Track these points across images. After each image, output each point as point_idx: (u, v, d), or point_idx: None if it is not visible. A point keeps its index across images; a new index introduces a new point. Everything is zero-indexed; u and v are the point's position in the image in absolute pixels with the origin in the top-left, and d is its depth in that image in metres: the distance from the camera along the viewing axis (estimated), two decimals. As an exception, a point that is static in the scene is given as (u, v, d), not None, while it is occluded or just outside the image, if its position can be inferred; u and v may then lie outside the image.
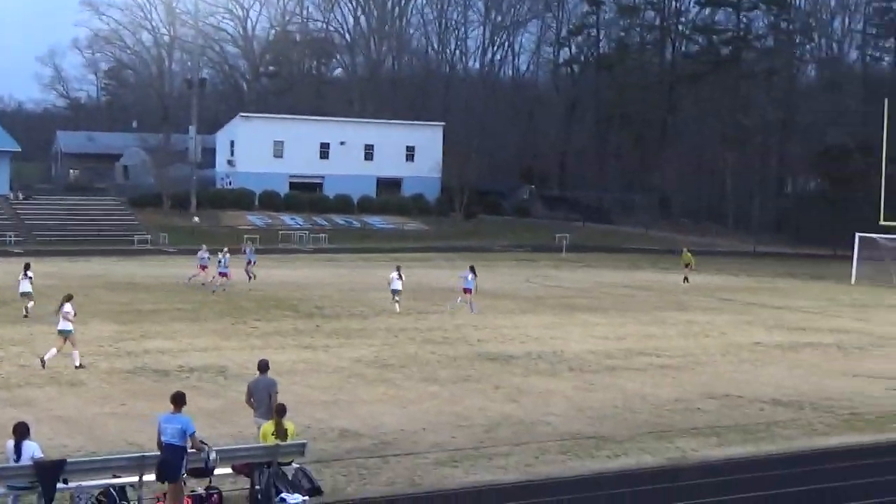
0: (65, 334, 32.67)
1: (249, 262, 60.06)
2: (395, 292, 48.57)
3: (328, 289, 55.65)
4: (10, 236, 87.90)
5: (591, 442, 24.80)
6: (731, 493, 21.00)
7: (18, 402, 27.06)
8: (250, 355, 34.84)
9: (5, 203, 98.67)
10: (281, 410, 20.17)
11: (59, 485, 18.08)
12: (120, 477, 18.91)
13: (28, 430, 18.56)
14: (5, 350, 34.94)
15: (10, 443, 18.34)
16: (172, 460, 18.16)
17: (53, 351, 32.39)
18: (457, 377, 32.31)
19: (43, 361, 31.90)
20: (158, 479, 18.49)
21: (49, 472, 17.97)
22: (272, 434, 19.98)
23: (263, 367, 22.30)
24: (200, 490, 19.70)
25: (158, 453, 18.45)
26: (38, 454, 18.32)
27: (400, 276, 49.05)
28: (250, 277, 58.71)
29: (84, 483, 18.43)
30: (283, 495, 19.44)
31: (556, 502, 20.23)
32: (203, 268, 57.91)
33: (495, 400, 29.18)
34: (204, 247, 60.98)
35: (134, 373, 31.64)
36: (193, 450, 18.43)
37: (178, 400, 18.85)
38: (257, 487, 19.47)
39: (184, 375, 31.29)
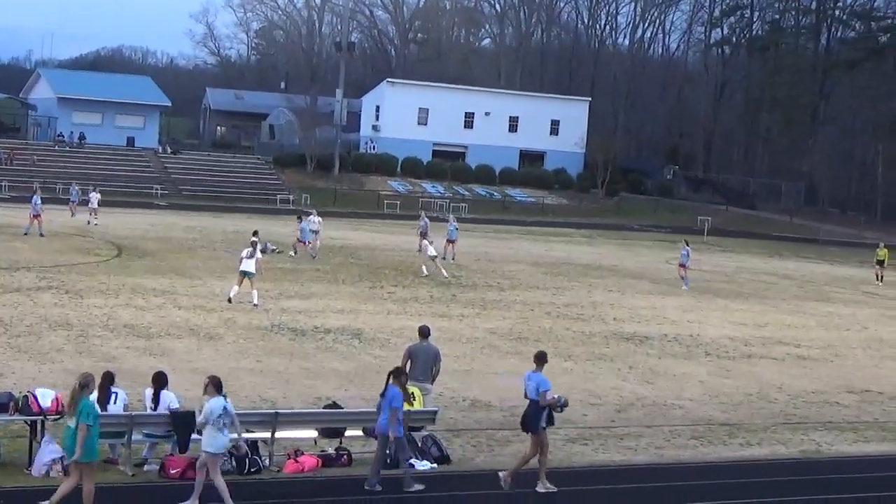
0: (249, 275, 36.39)
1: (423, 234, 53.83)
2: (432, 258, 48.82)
3: (466, 258, 55.63)
4: (157, 189, 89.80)
5: (723, 429, 24.43)
6: (865, 490, 20.48)
7: (158, 352, 27.63)
8: (385, 320, 35.13)
9: (154, 156, 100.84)
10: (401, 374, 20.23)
11: (194, 435, 18.39)
12: (253, 432, 19.19)
13: (166, 380, 18.95)
14: (147, 300, 35.69)
15: (149, 391, 18.74)
16: (531, 413, 18.94)
17: (235, 288, 36.23)
18: (591, 355, 32.09)
19: (230, 299, 36.00)
20: (522, 429, 19.38)
21: (185, 423, 18.33)
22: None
23: (426, 332, 22.18)
24: (331, 450, 19.87)
25: None
26: (175, 404, 18.71)
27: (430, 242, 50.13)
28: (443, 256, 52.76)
29: (218, 435, 18.68)
30: (411, 461, 19.50)
31: (686, 487, 19.97)
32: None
33: (628, 380, 28.92)
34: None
35: (271, 330, 32.04)
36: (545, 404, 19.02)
37: (539, 358, 19.46)
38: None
39: (319, 336, 31.59)
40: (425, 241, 50.57)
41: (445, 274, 47.66)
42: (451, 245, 55.07)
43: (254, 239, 39.57)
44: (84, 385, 15.96)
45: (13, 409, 18.19)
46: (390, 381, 18.76)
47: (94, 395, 18.06)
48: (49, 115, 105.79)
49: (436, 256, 49.02)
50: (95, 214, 61.92)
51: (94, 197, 63.14)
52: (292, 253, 52.08)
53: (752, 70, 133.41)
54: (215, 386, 16.95)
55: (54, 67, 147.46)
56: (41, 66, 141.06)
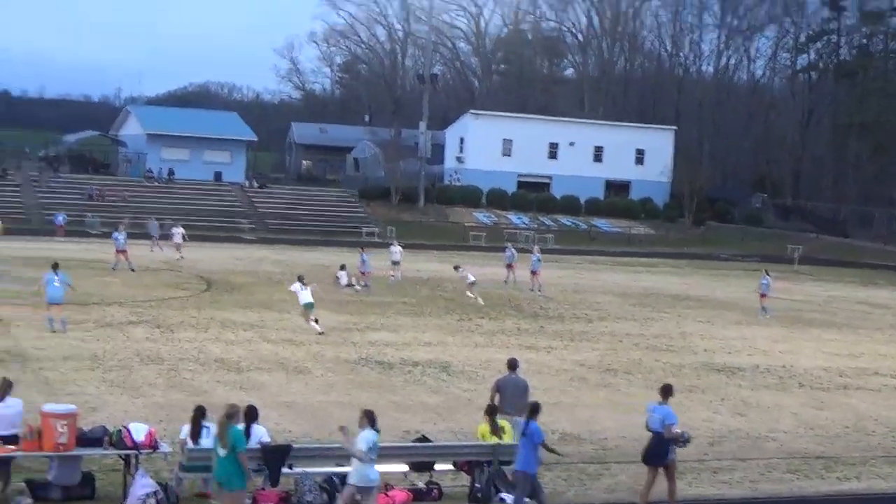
0: (309, 308, 37.31)
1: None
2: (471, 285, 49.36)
3: (552, 289, 55.36)
4: (244, 223, 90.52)
5: (819, 462, 23.95)
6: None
7: (248, 386, 27.73)
8: (473, 352, 34.99)
9: (240, 191, 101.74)
10: (492, 410, 20.18)
11: (285, 469, 18.39)
12: (343, 466, 19.09)
13: (257, 413, 18.95)
14: (236, 334, 35.90)
15: (241, 426, 18.70)
16: (654, 446, 19.00)
17: (312, 323, 37.18)
18: (681, 386, 31.53)
19: (320, 332, 36.50)
20: (643, 461, 19.40)
21: (275, 456, 18.32)
22: (490, 433, 19.90)
23: (514, 365, 22.20)
24: (421, 484, 19.75)
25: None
26: (266, 438, 18.69)
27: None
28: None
29: (308, 469, 18.69)
30: (502, 495, 19.33)
31: (783, 522, 19.61)
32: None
33: (720, 412, 28.51)
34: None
35: (358, 364, 32.05)
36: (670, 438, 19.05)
37: (665, 391, 19.53)
38: (477, 485, 19.42)
39: (407, 369, 31.54)
40: (462, 269, 51.00)
41: (481, 301, 47.86)
42: (534, 276, 54.87)
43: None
44: (230, 415, 16.42)
45: (108, 443, 18.32)
46: (529, 417, 18.63)
47: (186, 429, 18.17)
48: (138, 152, 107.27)
49: (474, 283, 49.38)
50: (180, 249, 62.51)
51: (178, 232, 63.77)
52: (357, 287, 50.97)
53: (839, 95, 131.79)
54: (369, 419, 17.11)
55: (143, 104, 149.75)
56: (130, 104, 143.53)
